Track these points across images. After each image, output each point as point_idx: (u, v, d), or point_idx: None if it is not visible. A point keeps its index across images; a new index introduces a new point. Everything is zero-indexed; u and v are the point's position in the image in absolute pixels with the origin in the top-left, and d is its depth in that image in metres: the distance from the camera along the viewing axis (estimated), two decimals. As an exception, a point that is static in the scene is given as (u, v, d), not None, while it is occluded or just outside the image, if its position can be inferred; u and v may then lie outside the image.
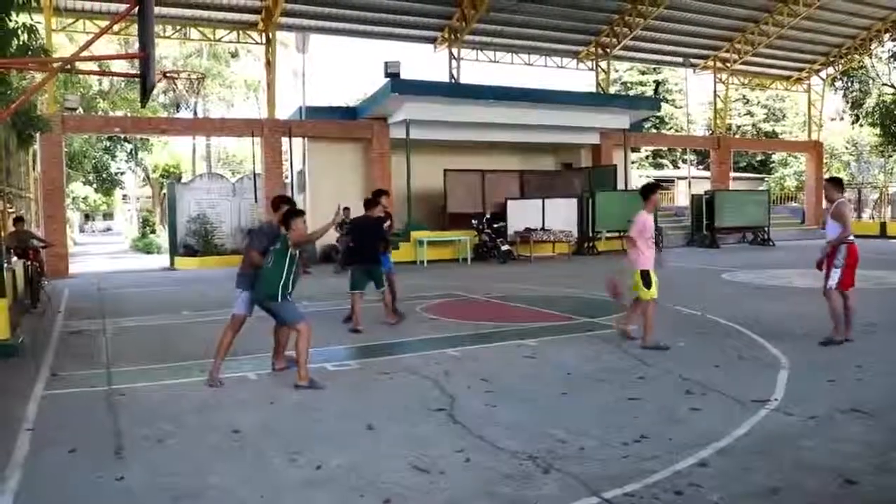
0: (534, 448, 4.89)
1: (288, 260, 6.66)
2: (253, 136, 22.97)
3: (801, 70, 33.72)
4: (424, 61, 46.01)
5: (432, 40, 26.74)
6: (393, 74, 21.66)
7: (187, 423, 5.71)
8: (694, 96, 50.44)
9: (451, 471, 4.55)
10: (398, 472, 4.55)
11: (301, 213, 6.91)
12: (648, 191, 8.44)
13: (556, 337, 9.17)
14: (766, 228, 27.16)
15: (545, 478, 4.41)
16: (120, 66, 30.33)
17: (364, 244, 9.90)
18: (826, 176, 8.98)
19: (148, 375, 7.42)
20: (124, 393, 6.68)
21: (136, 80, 10.05)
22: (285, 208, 6.96)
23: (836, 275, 8.12)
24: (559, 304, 12.14)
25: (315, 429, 5.51)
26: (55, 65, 11.15)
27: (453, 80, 26.02)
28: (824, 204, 8.78)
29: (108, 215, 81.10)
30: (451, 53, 26.52)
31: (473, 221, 22.07)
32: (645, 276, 8.11)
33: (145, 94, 9.00)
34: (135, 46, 10.75)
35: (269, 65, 23.55)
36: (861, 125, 37.36)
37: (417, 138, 22.43)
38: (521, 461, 4.68)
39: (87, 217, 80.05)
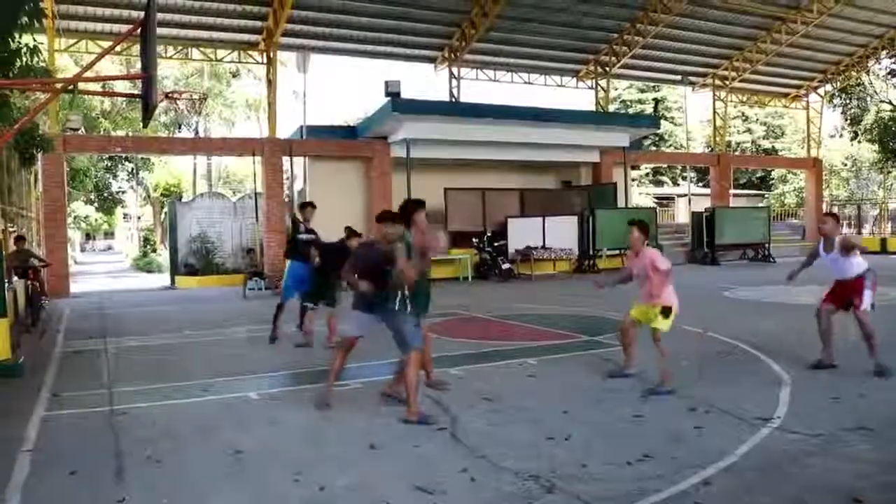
0: (536, 467, 4.87)
1: None
2: (254, 155, 23.02)
3: (799, 87, 33.84)
4: (425, 80, 46.12)
5: (433, 59, 26.86)
6: (393, 94, 21.74)
7: (189, 443, 5.69)
8: (693, 114, 50.70)
9: (453, 491, 4.53)
10: (401, 492, 4.52)
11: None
12: (641, 225, 7.54)
13: (558, 356, 9.17)
14: (766, 245, 27.18)
15: (548, 497, 4.39)
16: (122, 86, 30.52)
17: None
18: (826, 209, 8.82)
19: (149, 395, 7.39)
20: (125, 413, 6.66)
21: (138, 99, 10.09)
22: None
23: (868, 296, 7.64)
24: (560, 323, 12.13)
25: (318, 449, 5.49)
26: (58, 85, 11.21)
27: (453, 100, 26.14)
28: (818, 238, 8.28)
29: (109, 234, 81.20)
30: (451, 72, 26.64)
31: (474, 240, 22.09)
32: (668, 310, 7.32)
33: (147, 114, 9.06)
34: (137, 66, 10.79)
35: (270, 84, 23.63)
36: (860, 142, 37.47)
37: (418, 157, 22.48)
38: (523, 481, 4.65)
39: (88, 236, 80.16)
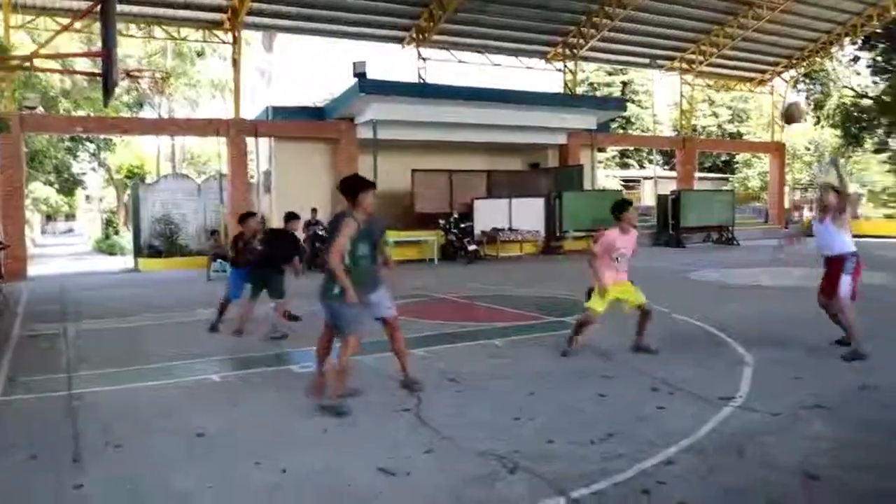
0: (501, 447, 4.87)
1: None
2: (218, 135, 22.73)
3: (764, 72, 34.15)
4: (392, 62, 45.82)
5: (400, 40, 26.64)
6: (360, 74, 21.56)
7: (150, 427, 5.61)
8: (660, 97, 50.95)
9: (418, 473, 4.51)
10: (365, 474, 4.50)
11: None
12: (617, 210, 7.84)
13: (524, 336, 9.18)
14: (730, 228, 27.50)
15: (512, 478, 4.39)
16: (83, 64, 29.87)
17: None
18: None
19: (110, 379, 7.27)
20: (85, 397, 6.54)
21: (99, 78, 9.86)
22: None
23: (846, 282, 7.54)
24: (526, 304, 12.15)
25: (280, 431, 5.43)
26: (14, 62, 10.93)
27: (421, 81, 25.98)
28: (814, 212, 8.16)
29: (70, 217, 79.80)
30: (418, 53, 26.47)
31: (440, 221, 22.05)
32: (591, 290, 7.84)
33: (108, 93, 8.87)
34: (98, 44, 10.57)
35: (236, 64, 23.31)
36: (822, 126, 37.97)
37: (385, 138, 22.35)
38: (488, 461, 4.65)
39: (48, 218, 78.69)
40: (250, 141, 22.81)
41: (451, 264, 20.72)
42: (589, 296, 7.92)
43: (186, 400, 6.39)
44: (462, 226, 21.84)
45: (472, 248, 21.38)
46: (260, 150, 23.62)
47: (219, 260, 18.02)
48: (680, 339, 8.75)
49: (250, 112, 25.31)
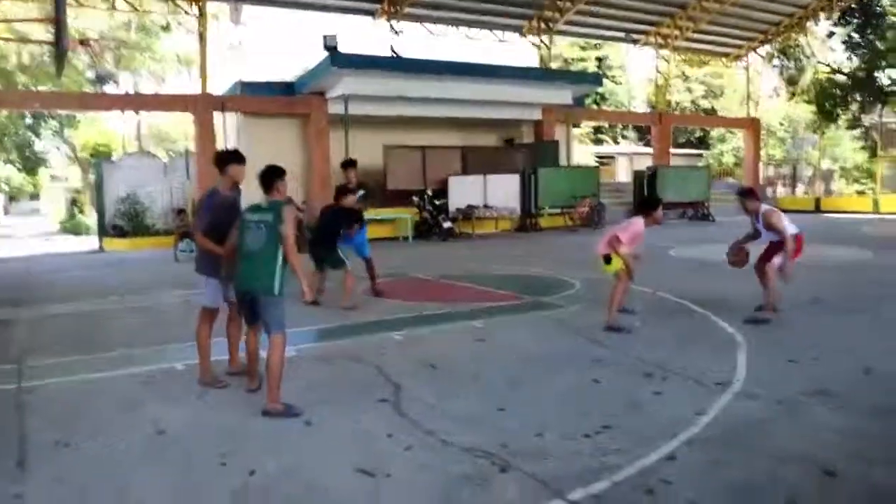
0: (489, 443, 4.48)
1: (279, 238, 5.27)
2: (185, 111, 22.01)
3: (739, 47, 33.91)
4: (366, 37, 45.01)
5: (371, 12, 25.99)
6: (331, 48, 20.92)
7: (107, 423, 5.14)
8: (634, 73, 50.68)
9: (399, 473, 4.12)
10: (341, 475, 4.09)
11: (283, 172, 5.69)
12: (649, 206, 8.07)
13: (505, 318, 8.78)
14: (706, 204, 27.31)
15: (503, 478, 4.01)
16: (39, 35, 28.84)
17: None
18: (743, 186, 9.02)
19: (66, 369, 6.73)
20: (37, 391, 6.05)
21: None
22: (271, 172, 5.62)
23: (782, 257, 7.92)
24: (505, 283, 11.75)
25: (248, 427, 4.99)
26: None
27: (394, 55, 25.35)
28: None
29: (34, 196, 78.07)
30: (391, 26, 25.83)
31: (414, 198, 21.58)
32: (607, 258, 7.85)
33: (59, 61, 8.32)
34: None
35: (202, 38, 22.54)
36: (797, 102, 37.90)
37: (357, 114, 21.79)
38: (475, 458, 4.26)
39: (11, 199, 76.92)
40: (219, 118, 22.09)
41: (426, 242, 20.28)
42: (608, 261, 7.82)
43: (147, 392, 5.91)
44: (436, 203, 21.40)
45: (446, 225, 20.96)
46: (229, 127, 22.92)
47: (186, 239, 17.41)
48: (668, 318, 8.44)
49: (220, 88, 24.55)
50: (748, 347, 6.80)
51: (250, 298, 5.36)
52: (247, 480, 4.06)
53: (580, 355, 6.71)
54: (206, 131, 21.77)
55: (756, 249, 8.37)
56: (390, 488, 3.94)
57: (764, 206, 8.13)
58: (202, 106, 21.53)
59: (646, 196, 8.03)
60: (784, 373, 6.02)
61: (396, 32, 25.78)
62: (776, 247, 8.01)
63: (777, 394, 5.38)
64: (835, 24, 33.62)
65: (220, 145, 22.89)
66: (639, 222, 7.79)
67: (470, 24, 28.12)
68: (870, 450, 4.35)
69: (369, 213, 20.64)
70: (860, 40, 32.42)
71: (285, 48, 78.02)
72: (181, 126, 36.92)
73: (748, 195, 8.31)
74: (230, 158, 6.07)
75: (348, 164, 10.88)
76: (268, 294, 5.24)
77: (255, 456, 4.39)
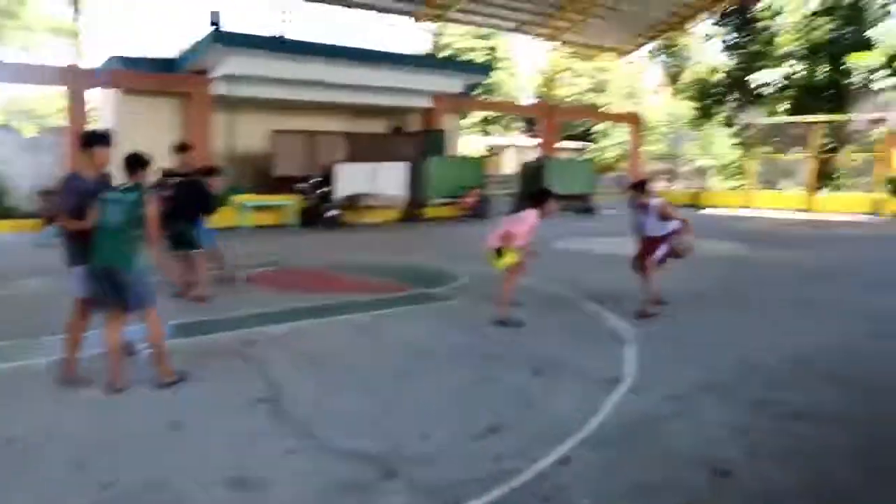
0: (375, 446, 4.23)
1: (140, 219, 5.24)
2: (52, 84, 20.57)
3: (626, 43, 34.68)
4: (258, 19, 43.47)
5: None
6: (216, 24, 20.00)
7: (-57, 428, 4.57)
8: (523, 65, 51.24)
9: (277, 481, 3.79)
10: (211, 486, 3.73)
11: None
12: (541, 198, 7.79)
13: (393, 310, 8.48)
14: (592, 197, 27.80)
15: (388, 486, 3.75)
16: None
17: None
18: (636, 178, 9.06)
19: None
20: None
21: None
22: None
23: (663, 249, 8.07)
24: (392, 274, 11.46)
25: (110, 432, 4.52)
26: None
27: (282, 35, 24.55)
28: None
29: None
30: (280, 6, 25.06)
31: (300, 185, 20.96)
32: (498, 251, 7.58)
33: None
34: None
35: (76, 7, 21.14)
36: (679, 99, 39.13)
37: (242, 95, 20.96)
38: (360, 464, 3.99)
39: None
40: (95, 95, 20.74)
41: (311, 231, 19.70)
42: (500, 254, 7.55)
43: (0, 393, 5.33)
44: (322, 190, 20.85)
45: (331, 213, 20.46)
46: (105, 105, 21.59)
47: (53, 224, 16.24)
48: (557, 312, 8.36)
49: (95, 62, 23.08)
50: (636, 342, 6.78)
51: (110, 276, 5.13)
52: (100, 496, 3.63)
53: (469, 350, 6.52)
54: (77, 107, 20.41)
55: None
56: (267, 499, 3.60)
57: (655, 199, 8.16)
58: (73, 79, 20.16)
59: (538, 188, 7.81)
60: (672, 368, 6.00)
61: (286, 14, 25.03)
62: (655, 241, 8.09)
63: (667, 390, 5.34)
64: (715, 25, 34.89)
65: (97, 124, 21.59)
66: (532, 215, 7.65)
67: (363, 6, 27.58)
68: (760, 445, 4.35)
69: (254, 200, 20.06)
70: (737, 42, 33.78)
71: (173, 24, 74.88)
72: (53, 101, 34.67)
73: (641, 187, 8.33)
74: (95, 140, 5.62)
75: (183, 148, 10.10)
76: (130, 269, 5.10)
77: (114, 466, 3.97)
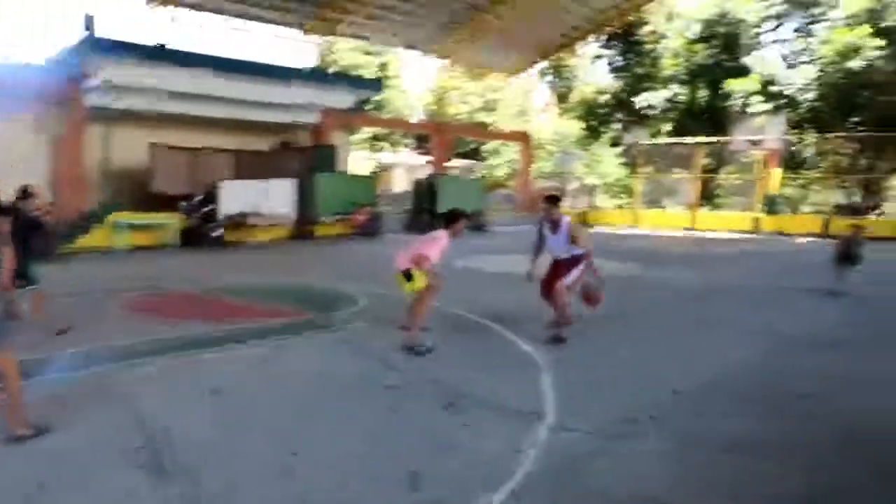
0: (283, 499, 3.66)
1: None
2: None
3: (516, 63, 35.00)
4: (142, 24, 41.43)
5: (143, -4, 23.83)
6: (90, 29, 18.74)
7: None
8: (413, 83, 51.12)
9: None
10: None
11: None
12: (452, 219, 7.41)
13: (287, 338, 7.82)
14: (484, 214, 27.75)
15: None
16: None
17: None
18: (546, 194, 8.66)
19: None
20: None
21: None
22: None
23: (576, 273, 7.67)
24: (284, 297, 10.78)
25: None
26: None
27: (162, 44, 23.34)
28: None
29: None
30: (165, 13, 23.85)
31: (182, 203, 19.85)
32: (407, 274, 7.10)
33: None
34: None
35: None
36: (567, 119, 39.86)
37: (119, 107, 19.69)
38: (263, 527, 3.41)
39: None
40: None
41: (195, 251, 18.62)
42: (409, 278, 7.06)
43: None
44: (206, 209, 19.83)
45: (217, 233, 19.46)
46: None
47: None
48: (463, 337, 7.96)
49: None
50: (551, 368, 6.44)
51: None
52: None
53: (376, 381, 6.00)
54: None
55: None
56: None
57: (567, 218, 7.85)
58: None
59: (450, 209, 7.36)
60: (591, 397, 5.69)
61: (167, 20, 23.84)
62: (565, 265, 7.73)
63: (591, 423, 5.00)
64: (602, 47, 35.76)
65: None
66: (443, 236, 7.24)
67: (249, 17, 26.65)
68: (698, 482, 4.04)
69: (132, 218, 18.81)
70: (623, 65, 34.72)
71: (47, 29, 70.84)
72: None
73: (555, 202, 7.93)
74: None
75: (25, 194, 8.85)
76: None
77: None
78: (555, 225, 7.79)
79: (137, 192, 20.93)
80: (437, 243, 7.14)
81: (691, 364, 6.85)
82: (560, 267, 7.78)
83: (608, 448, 4.56)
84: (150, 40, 22.70)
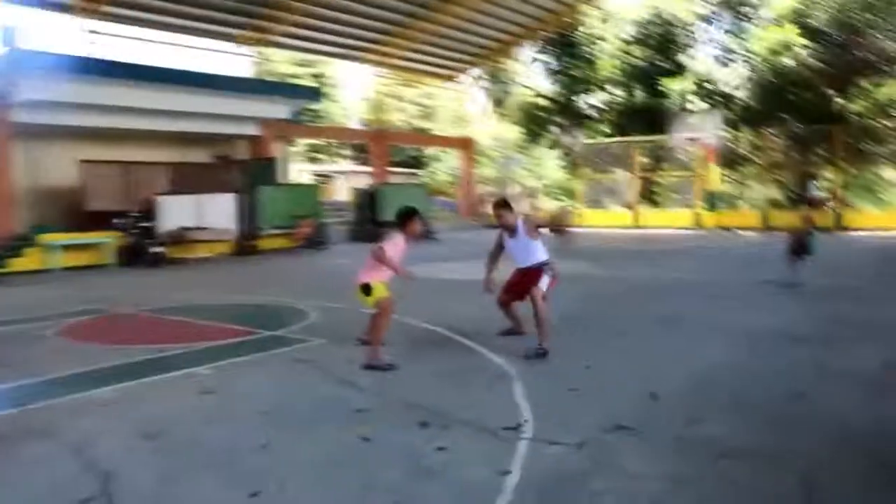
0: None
1: None
2: None
3: (453, 69, 34.86)
4: (66, 36, 40.13)
5: (67, 8, 22.85)
6: (12, 43, 17.85)
7: None
8: (349, 92, 50.61)
9: None
10: None
11: None
12: (405, 219, 7.02)
13: (237, 360, 7.32)
14: (429, 221, 27.43)
15: None
16: None
17: None
18: (495, 200, 8.27)
19: None
20: None
21: None
22: None
23: (546, 280, 7.28)
24: (232, 316, 10.28)
25: None
26: None
27: (89, 57, 22.45)
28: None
29: None
30: (87, 26, 22.92)
31: (118, 221, 19.05)
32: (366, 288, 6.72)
33: None
34: None
35: None
36: (506, 123, 39.84)
37: (44, 122, 18.79)
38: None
39: None
40: None
41: (134, 270, 17.84)
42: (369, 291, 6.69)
43: None
44: (144, 225, 19.06)
45: (155, 250, 18.73)
46: None
47: None
48: (426, 350, 7.58)
49: None
50: (521, 379, 6.11)
51: None
52: None
53: (338, 405, 5.59)
54: None
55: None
56: None
57: (520, 219, 7.55)
58: None
59: (401, 209, 6.99)
60: (571, 406, 5.41)
61: (94, 33, 22.92)
62: (529, 274, 7.34)
63: (574, 435, 4.68)
64: (539, 52, 35.82)
65: None
66: (399, 239, 6.87)
67: (179, 29, 25.88)
68: (696, 498, 3.76)
69: (65, 238, 17.93)
70: (561, 68, 34.82)
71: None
72: None
73: (507, 206, 7.64)
74: None
75: None
76: None
77: None
78: (511, 230, 7.44)
79: (71, 211, 20.05)
80: (393, 248, 6.78)
81: (664, 366, 6.61)
82: (524, 276, 7.43)
83: (599, 462, 4.24)
84: (76, 53, 21.87)
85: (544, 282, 7.25)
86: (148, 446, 4.73)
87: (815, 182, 27.16)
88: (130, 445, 4.74)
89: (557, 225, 7.37)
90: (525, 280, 7.38)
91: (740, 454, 4.37)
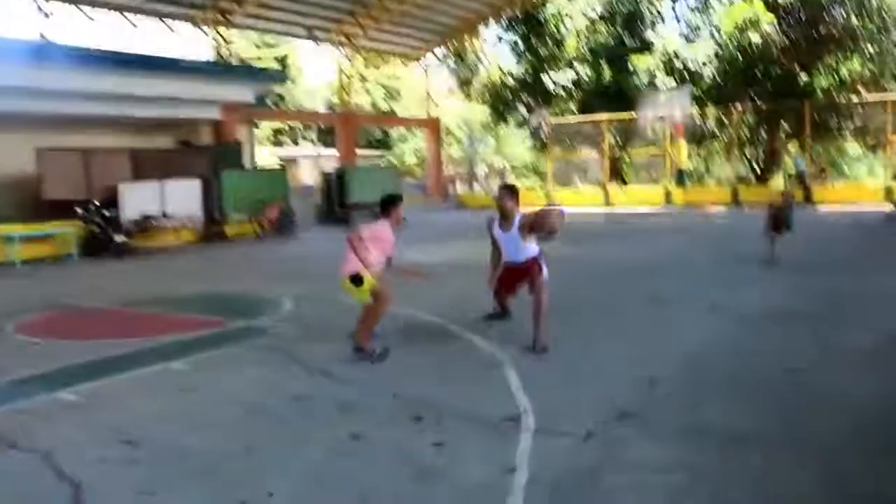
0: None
1: None
2: None
3: (418, 48, 34.39)
4: (16, 22, 38.79)
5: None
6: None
7: None
8: (313, 75, 49.88)
9: None
10: None
11: None
12: (389, 205, 6.62)
13: (213, 353, 6.98)
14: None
15: None
16: None
17: None
18: (505, 182, 7.78)
19: None
20: None
21: None
22: None
23: (545, 270, 6.85)
24: (202, 306, 9.90)
25: None
26: None
27: (41, 39, 21.65)
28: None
29: None
30: (38, 6, 22.11)
31: (79, 210, 18.42)
32: (356, 278, 6.29)
33: None
34: None
35: None
36: (472, 103, 39.44)
37: (-1, 110, 18.09)
38: None
39: None
40: None
41: (98, 261, 17.24)
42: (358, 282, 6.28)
43: None
44: (106, 214, 18.45)
45: (119, 239, 18.15)
46: None
47: None
48: (410, 337, 7.26)
49: None
50: (515, 367, 5.84)
51: None
52: None
53: (324, 399, 5.29)
54: None
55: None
56: None
57: (519, 213, 7.01)
58: None
59: (385, 194, 6.60)
60: (570, 394, 5.18)
61: (47, 15, 22.11)
62: (522, 270, 6.93)
63: (578, 425, 4.44)
64: (505, 30, 35.41)
65: None
66: (384, 227, 6.52)
67: (135, 10, 25.08)
68: (715, 489, 3.54)
69: (23, 230, 17.27)
70: (527, 47, 34.42)
71: None
72: None
73: (513, 193, 7.13)
74: None
75: None
76: None
77: None
78: (508, 219, 6.98)
79: (29, 201, 19.35)
80: (380, 236, 6.43)
81: (658, 348, 6.42)
82: (517, 273, 7.02)
83: (608, 454, 4.01)
84: (30, 37, 21.09)
85: (546, 272, 6.83)
86: (121, 453, 4.36)
87: (800, 157, 27.08)
88: (103, 452, 4.37)
89: (549, 231, 6.84)
90: (518, 276, 7.03)
91: (749, 439, 4.20)
